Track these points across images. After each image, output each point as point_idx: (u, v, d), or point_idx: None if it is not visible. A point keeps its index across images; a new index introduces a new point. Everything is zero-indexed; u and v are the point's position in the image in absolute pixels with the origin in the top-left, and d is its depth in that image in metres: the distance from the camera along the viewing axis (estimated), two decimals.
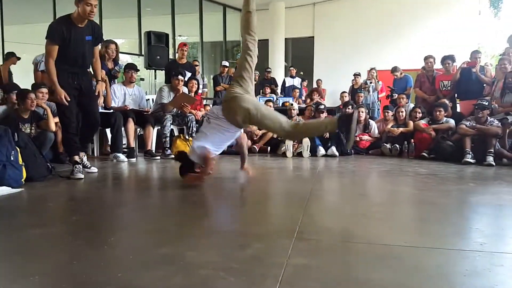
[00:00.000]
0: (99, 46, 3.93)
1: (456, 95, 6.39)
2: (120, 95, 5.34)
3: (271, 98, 7.55)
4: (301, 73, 11.34)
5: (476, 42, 10.50)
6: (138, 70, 5.82)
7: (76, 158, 3.58)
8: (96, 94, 3.80)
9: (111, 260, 1.55)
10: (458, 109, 6.39)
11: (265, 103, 6.72)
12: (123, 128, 4.98)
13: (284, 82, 9.75)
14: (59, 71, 3.43)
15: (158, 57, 7.29)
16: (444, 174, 3.92)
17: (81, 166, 3.58)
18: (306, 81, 10.19)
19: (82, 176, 3.50)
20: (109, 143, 5.18)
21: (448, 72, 6.29)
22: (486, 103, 5.03)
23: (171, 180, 3.62)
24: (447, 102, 5.97)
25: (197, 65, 7.56)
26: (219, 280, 1.31)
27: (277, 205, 2.82)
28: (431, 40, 10.21)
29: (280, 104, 7.75)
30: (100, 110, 5.08)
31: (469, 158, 4.74)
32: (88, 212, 2.40)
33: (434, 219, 2.24)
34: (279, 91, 9.44)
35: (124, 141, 5.15)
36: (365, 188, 3.55)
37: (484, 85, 6.02)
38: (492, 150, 4.70)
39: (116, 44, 5.60)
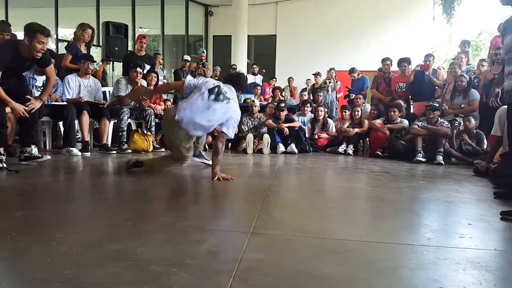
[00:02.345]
0: (52, 67, 3.89)
1: (410, 97, 6.67)
2: (75, 87, 5.10)
3: None
4: (263, 70, 11.37)
5: (430, 46, 11.03)
6: (95, 62, 5.60)
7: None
8: (27, 105, 3.65)
9: (58, 256, 1.47)
10: (412, 110, 6.67)
11: None
12: (76, 121, 4.78)
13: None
14: None
15: (117, 48, 7.03)
16: (397, 172, 4.08)
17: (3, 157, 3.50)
18: (275, 79, 10.23)
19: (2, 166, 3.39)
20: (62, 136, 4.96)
21: (404, 74, 6.54)
22: (437, 105, 5.28)
23: (126, 175, 3.51)
24: (401, 103, 6.22)
25: (162, 59, 7.40)
26: (172, 276, 1.28)
27: (235, 201, 2.81)
28: (388, 43, 10.58)
29: (242, 101, 7.74)
30: (53, 103, 4.90)
31: (420, 157, 4.97)
32: (36, 207, 2.28)
33: (386, 215, 2.33)
34: None
35: (79, 134, 4.95)
36: (322, 184, 3.63)
37: (436, 87, 6.33)
38: (442, 150, 4.95)
39: (93, 29, 5.57)
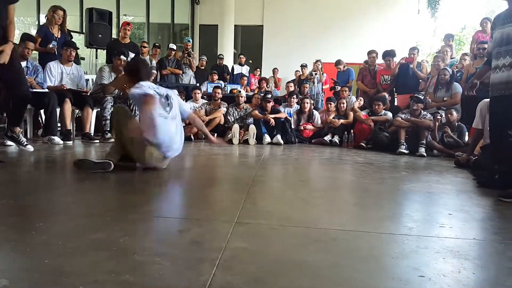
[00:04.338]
0: (15, 7, 3.37)
1: (394, 89, 6.73)
2: (57, 74, 5.00)
3: (219, 85, 7.47)
4: (250, 61, 11.32)
5: (414, 39, 11.14)
6: (78, 48, 5.49)
7: None
8: None
9: (38, 246, 1.44)
10: (396, 103, 6.74)
11: (213, 89, 6.67)
12: (58, 109, 4.68)
13: (232, 69, 9.71)
14: None
15: (100, 35, 6.90)
16: (380, 163, 4.13)
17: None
18: (258, 69, 10.20)
19: None
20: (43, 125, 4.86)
21: (389, 67, 6.60)
22: (422, 97, 5.35)
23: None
24: (386, 95, 6.28)
25: (146, 47, 7.26)
26: (154, 266, 1.27)
27: (220, 191, 2.81)
28: (374, 36, 10.64)
29: (228, 91, 7.71)
30: (34, 90, 4.76)
31: (403, 149, 5.04)
32: (15, 196, 2.23)
33: (369, 205, 2.36)
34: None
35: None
36: (306, 175, 3.65)
37: (420, 80, 6.40)
38: (424, 142, 5.03)
39: (64, 11, 5.30)
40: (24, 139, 3.77)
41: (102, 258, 1.32)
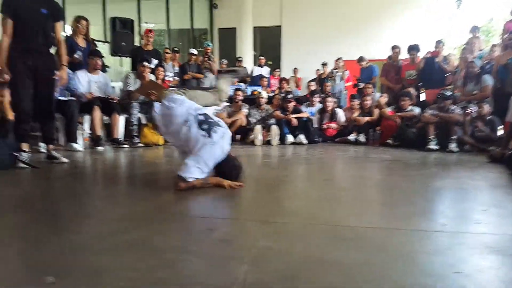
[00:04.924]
0: (61, 25, 3.52)
1: (420, 84, 6.57)
2: (85, 83, 5.11)
3: (240, 87, 7.48)
4: (269, 62, 11.31)
5: (440, 33, 10.83)
6: (103, 57, 5.60)
7: (24, 146, 3.33)
8: (59, 79, 3.45)
9: (76, 246, 1.48)
10: (422, 98, 6.58)
11: (234, 92, 6.67)
12: (88, 117, 4.79)
13: (252, 71, 9.72)
14: (11, 48, 3.13)
15: (124, 43, 7.05)
16: (408, 160, 4.03)
17: (26, 155, 3.31)
18: (278, 70, 10.19)
19: (24, 165, 3.21)
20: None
21: (413, 61, 6.45)
22: (449, 94, 5.20)
23: (138, 167, 3.53)
24: (412, 91, 6.13)
25: (168, 53, 7.35)
26: (184, 263, 1.30)
27: (245, 191, 2.78)
28: (397, 32, 10.40)
29: (249, 93, 7.71)
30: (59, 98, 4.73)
31: (432, 145, 4.89)
32: (52, 201, 2.30)
33: (398, 202, 2.30)
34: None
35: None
36: (331, 174, 3.60)
37: (447, 74, 6.23)
38: (454, 137, 4.86)
39: (87, 20, 5.30)
40: (57, 154, 3.60)
41: (135, 257, 1.35)
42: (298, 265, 1.30)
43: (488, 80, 5.29)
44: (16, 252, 1.47)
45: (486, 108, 4.97)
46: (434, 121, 5.08)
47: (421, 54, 6.53)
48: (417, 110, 5.64)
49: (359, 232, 1.66)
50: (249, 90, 7.99)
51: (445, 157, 4.33)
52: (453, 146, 4.77)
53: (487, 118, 4.98)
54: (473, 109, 5.14)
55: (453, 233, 1.65)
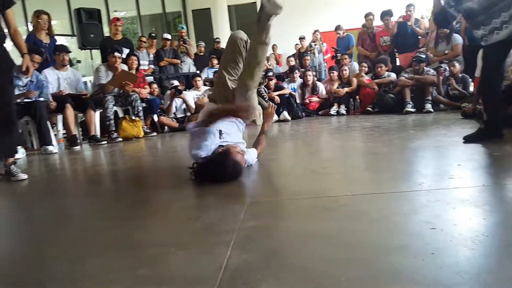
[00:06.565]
0: (12, 13, 2.94)
1: (395, 49, 6.61)
2: (53, 80, 4.92)
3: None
4: None
5: None
6: (70, 52, 5.40)
7: None
8: (24, 69, 3.03)
9: (52, 254, 1.48)
10: (398, 63, 6.63)
11: (213, 74, 6.61)
12: (61, 116, 4.69)
13: None
14: None
15: (92, 35, 6.83)
16: (388, 125, 4.10)
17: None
18: None
19: None
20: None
21: (387, 27, 6.47)
22: (424, 56, 5.26)
23: (119, 163, 3.50)
24: (386, 57, 6.17)
25: (143, 41, 7.18)
26: (169, 256, 1.27)
27: None
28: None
29: None
30: (25, 100, 4.37)
31: (409, 108, 4.99)
32: (26, 208, 2.28)
33: (379, 168, 2.36)
34: None
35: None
36: (316, 147, 3.64)
37: (419, 37, 6.27)
38: (430, 98, 4.96)
39: (48, 15, 5.08)
40: (16, 171, 2.96)
41: (117, 255, 1.33)
42: (283, 241, 1.33)
43: (459, 39, 5.36)
44: None
45: (458, 66, 5.06)
46: (410, 84, 5.16)
47: (394, 19, 6.54)
48: (393, 76, 5.71)
49: (341, 201, 1.70)
50: None
51: (422, 118, 4.42)
52: (429, 106, 4.87)
53: (460, 76, 5.08)
54: (445, 68, 5.22)
55: (429, 191, 1.70)
